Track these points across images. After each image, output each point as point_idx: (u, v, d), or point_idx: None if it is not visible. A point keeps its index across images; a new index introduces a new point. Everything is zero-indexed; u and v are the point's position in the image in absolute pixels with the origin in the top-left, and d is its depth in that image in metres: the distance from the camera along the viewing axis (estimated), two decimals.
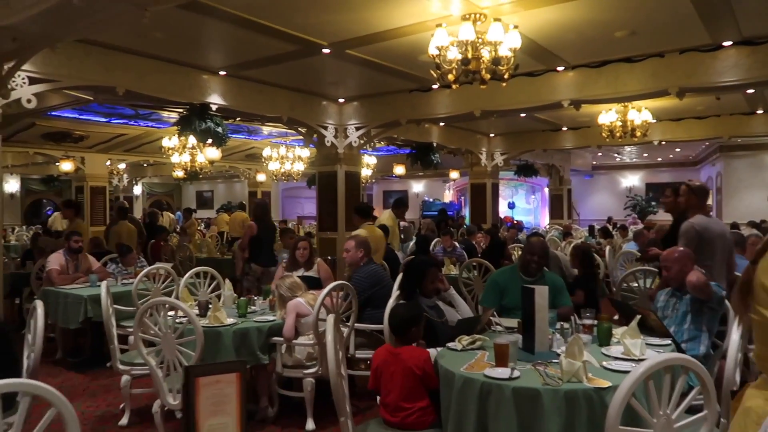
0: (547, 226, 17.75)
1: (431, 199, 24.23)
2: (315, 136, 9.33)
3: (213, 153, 9.39)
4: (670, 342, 3.12)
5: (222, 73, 7.33)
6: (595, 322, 3.34)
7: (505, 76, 5.35)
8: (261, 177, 16.18)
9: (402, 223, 10.17)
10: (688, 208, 4.43)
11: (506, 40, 5.12)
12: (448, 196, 24.96)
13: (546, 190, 20.81)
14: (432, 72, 5.34)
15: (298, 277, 5.25)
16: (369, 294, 4.40)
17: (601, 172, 22.22)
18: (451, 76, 5.36)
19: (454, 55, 5.18)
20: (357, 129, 9.22)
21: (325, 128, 9.17)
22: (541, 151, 13.69)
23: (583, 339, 2.79)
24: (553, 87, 7.39)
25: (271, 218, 7.80)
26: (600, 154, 19.00)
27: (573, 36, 6.03)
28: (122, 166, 17.56)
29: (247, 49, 6.58)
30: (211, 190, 27.90)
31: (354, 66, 7.46)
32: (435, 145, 11.73)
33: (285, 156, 13.77)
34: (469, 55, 5.12)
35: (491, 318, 3.66)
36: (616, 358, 2.82)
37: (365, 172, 16.04)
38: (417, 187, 26.63)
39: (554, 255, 5.69)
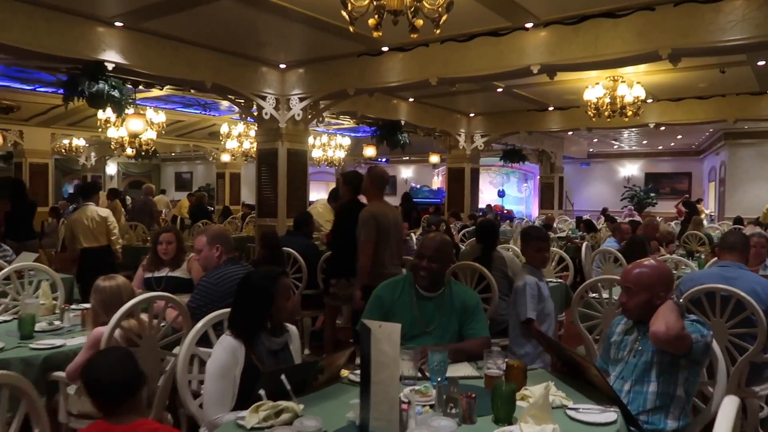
0: (534, 217, 16.48)
1: (418, 186, 22.94)
2: (255, 107, 8.07)
3: (136, 125, 8.12)
4: (615, 416, 1.87)
5: (118, 24, 6.05)
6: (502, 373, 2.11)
7: (441, 20, 4.04)
8: (225, 157, 14.92)
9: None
10: (366, 193, 4.37)
11: None
12: (437, 183, 23.66)
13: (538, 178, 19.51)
14: (343, 14, 4.05)
15: (162, 277, 4.06)
16: (219, 308, 3.14)
17: (598, 160, 20.86)
18: (372, 21, 4.09)
19: None
20: (301, 100, 7.93)
21: (264, 98, 7.89)
22: (526, 134, 12.36)
23: (435, 425, 1.53)
24: (521, 49, 6.09)
25: (27, 195, 7.54)
26: (596, 140, 17.66)
27: None
28: (80, 142, 16.29)
29: None
30: (190, 171, 26.65)
31: (291, 23, 6.24)
32: (403, 123, 10.45)
33: (244, 133, 12.49)
34: None
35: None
36: None
37: (339, 155, 14.85)
38: (405, 172, 25.37)
39: (499, 256, 4.41)
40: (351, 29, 4.21)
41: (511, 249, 5.99)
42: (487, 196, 22.40)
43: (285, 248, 5.23)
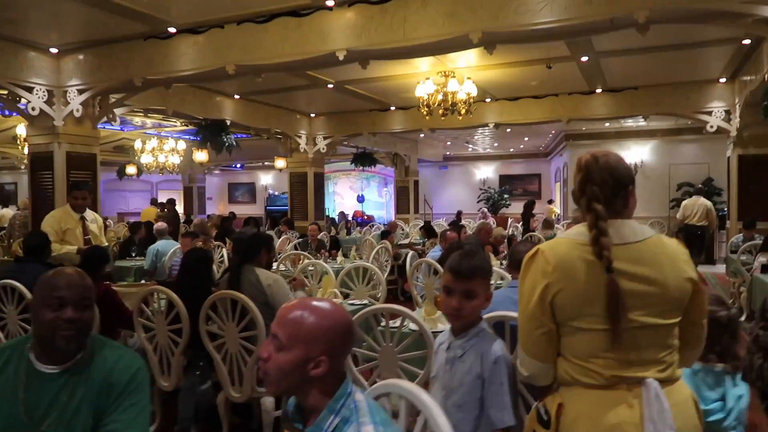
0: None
1: (276, 193, 21.74)
2: (25, 101, 6.54)
3: None
4: None
5: None
6: None
7: None
8: None
9: (159, 225, 7.58)
10: None
11: None
12: None
13: None
14: None
15: None
16: None
17: (455, 163, 20.98)
18: None
19: None
20: (80, 92, 6.54)
21: (30, 90, 6.40)
22: (370, 135, 11.70)
23: None
24: (326, 32, 5.26)
25: None
26: (450, 143, 17.60)
27: None
28: None
29: None
30: (14, 182, 23.28)
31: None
32: (229, 123, 9.32)
33: None
34: None
35: None
36: None
37: (173, 160, 13.29)
38: (265, 179, 23.99)
39: (248, 279, 3.36)
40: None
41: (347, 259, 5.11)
42: (348, 202, 21.78)
43: (8, 281, 3.93)
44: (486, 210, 17.62)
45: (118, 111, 7.94)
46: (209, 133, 9.04)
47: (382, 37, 5.03)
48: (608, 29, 4.64)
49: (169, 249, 6.72)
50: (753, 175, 8.38)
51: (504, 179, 20.39)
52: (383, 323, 2.93)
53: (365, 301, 4.50)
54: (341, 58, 5.16)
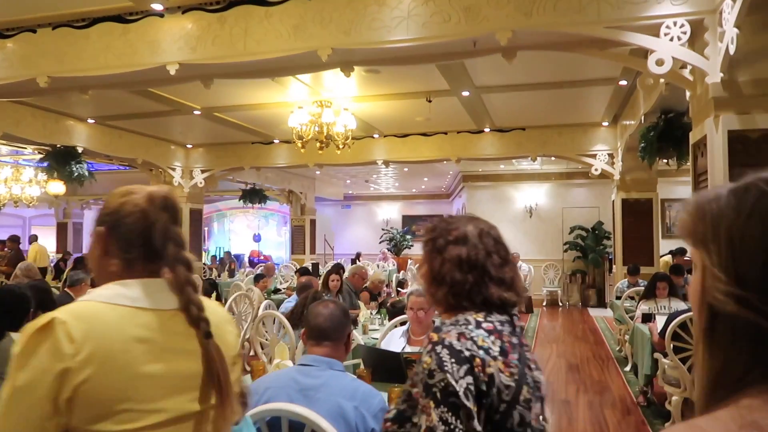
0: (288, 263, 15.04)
1: None
2: None
3: None
4: None
5: None
6: None
7: None
8: None
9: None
10: None
11: None
12: None
13: None
14: None
15: None
16: None
17: (358, 202, 20.45)
18: None
19: None
20: None
21: None
22: (254, 170, 10.88)
23: None
24: (156, 42, 4.46)
25: None
26: (349, 181, 17.06)
27: None
28: None
29: None
30: None
31: None
32: (81, 150, 8.17)
33: None
34: None
35: None
36: None
37: (31, 192, 11.79)
38: None
39: (6, 348, 2.45)
40: None
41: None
42: (245, 241, 20.58)
43: None
44: (387, 251, 17.08)
45: None
46: (55, 161, 7.84)
47: (220, 51, 4.29)
48: (473, 53, 4.16)
49: None
50: (635, 218, 8.29)
51: (407, 219, 20.04)
52: None
53: None
54: (173, 72, 4.36)
